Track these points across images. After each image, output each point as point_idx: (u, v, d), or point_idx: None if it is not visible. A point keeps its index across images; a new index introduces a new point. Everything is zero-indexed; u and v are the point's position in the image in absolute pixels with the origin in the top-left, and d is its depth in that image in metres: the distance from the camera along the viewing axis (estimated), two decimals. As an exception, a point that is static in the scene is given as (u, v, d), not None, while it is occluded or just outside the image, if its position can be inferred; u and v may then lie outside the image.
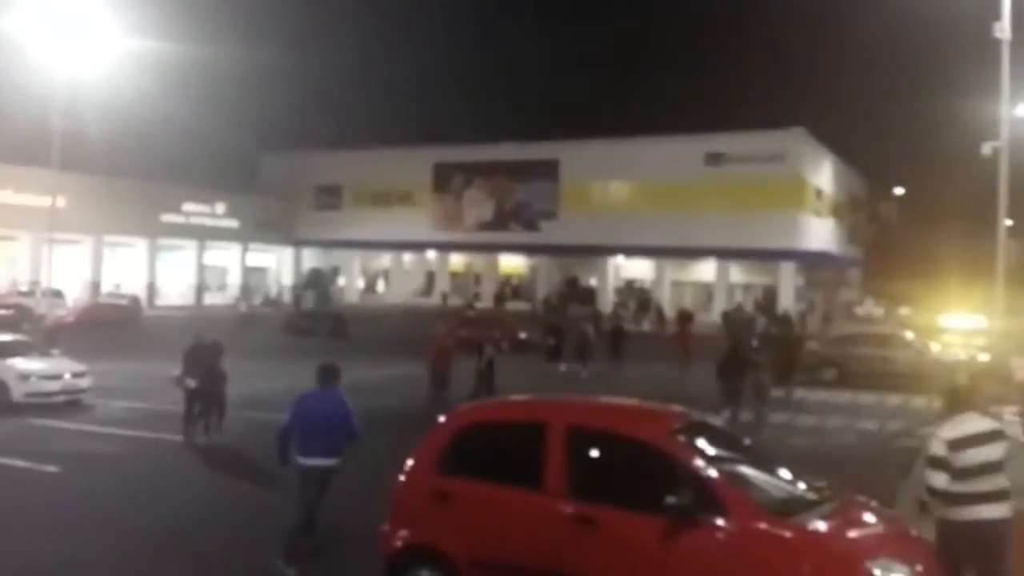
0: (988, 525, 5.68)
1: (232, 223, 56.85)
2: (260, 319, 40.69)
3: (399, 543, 6.70)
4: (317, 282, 57.00)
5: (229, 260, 57.80)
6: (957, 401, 6.03)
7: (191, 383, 13.55)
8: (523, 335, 32.61)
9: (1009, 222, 25.22)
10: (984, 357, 20.93)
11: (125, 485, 11.11)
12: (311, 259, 62.66)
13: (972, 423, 5.83)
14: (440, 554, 6.46)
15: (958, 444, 5.76)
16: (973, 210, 34.35)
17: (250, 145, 60.29)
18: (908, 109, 75.86)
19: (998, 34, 20.52)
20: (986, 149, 26.81)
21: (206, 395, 13.61)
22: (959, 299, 44.32)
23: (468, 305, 44.23)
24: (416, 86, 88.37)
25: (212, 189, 55.57)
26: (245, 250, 57.98)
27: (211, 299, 53.28)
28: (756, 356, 15.94)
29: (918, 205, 61.87)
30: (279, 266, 61.92)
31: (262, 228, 57.92)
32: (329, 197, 62.23)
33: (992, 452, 5.76)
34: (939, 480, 5.75)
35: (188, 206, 54.43)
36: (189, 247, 54.32)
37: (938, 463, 5.79)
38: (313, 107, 79.71)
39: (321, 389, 8.17)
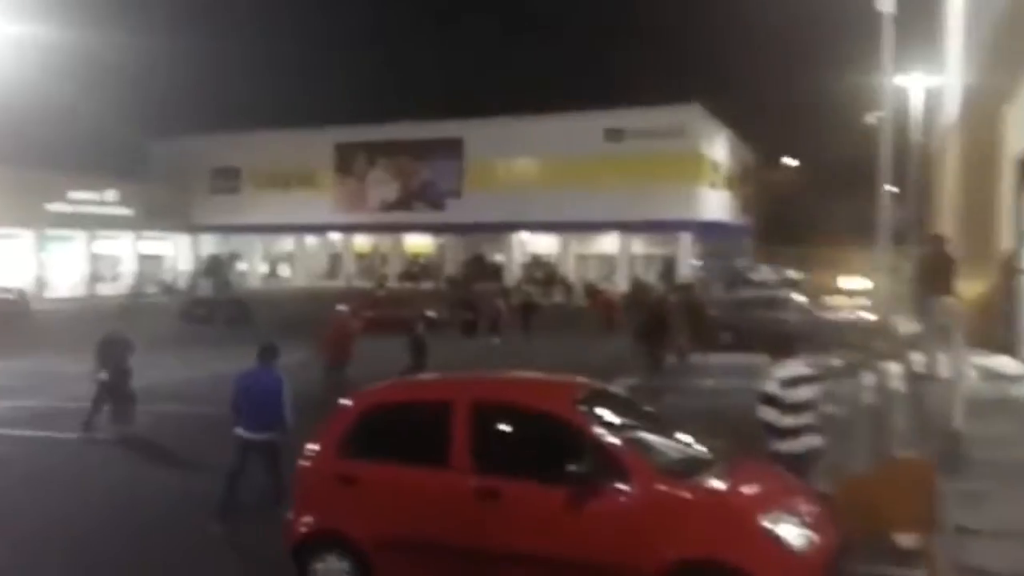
0: (812, 453, 6.72)
1: (123, 211, 54.63)
2: (156, 308, 39.32)
3: (303, 529, 6.62)
4: (215, 268, 55.38)
5: (122, 249, 55.58)
6: (782, 349, 6.92)
7: (103, 376, 13.29)
8: (432, 314, 32.53)
9: (893, 188, 26.51)
10: (870, 316, 22.06)
11: (16, 486, 10.61)
12: (210, 245, 60.81)
13: (798, 367, 6.80)
14: (346, 539, 6.42)
15: (788, 383, 6.66)
16: (858, 178, 35.91)
17: (139, 130, 57.98)
18: (798, 82, 78.59)
19: (881, 7, 21.44)
20: (870, 119, 28.02)
21: (114, 388, 13.39)
22: (846, 263, 46.47)
23: (379, 285, 43.80)
24: (316, 67, 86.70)
25: (100, 176, 53.21)
26: (138, 238, 55.83)
27: (105, 290, 51.14)
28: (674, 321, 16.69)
29: (807, 175, 64.30)
30: (176, 253, 59.89)
31: (155, 215, 55.82)
32: (226, 180, 60.45)
33: (813, 392, 6.79)
34: (770, 415, 6.65)
35: (75, 194, 51.97)
36: (78, 237, 51.95)
37: (770, 400, 6.67)
38: (205, 90, 77.14)
39: (260, 367, 8.77)
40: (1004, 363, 11.33)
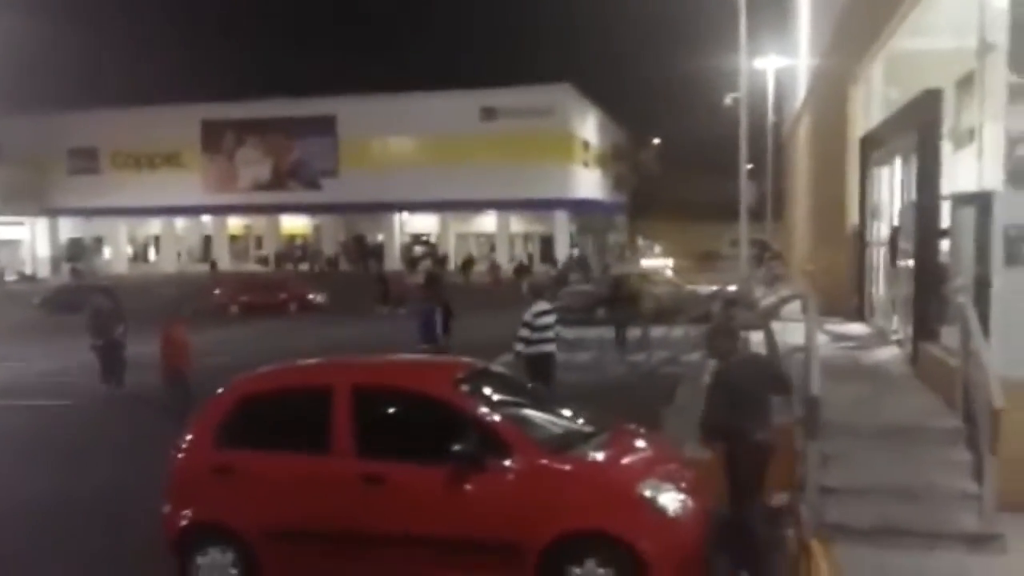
0: (548, 355, 10.26)
1: (-27, 194, 50.63)
2: (16, 296, 36.76)
3: (183, 522, 6.33)
4: (78, 253, 52.19)
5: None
6: (536, 295, 10.66)
7: None
8: (313, 296, 31.79)
9: (749, 165, 27.62)
10: (732, 287, 22.97)
11: None
12: (70, 229, 57.22)
13: (543, 305, 10.42)
14: (229, 531, 6.18)
15: (537, 315, 10.20)
16: (721, 156, 37.31)
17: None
18: (665, 64, 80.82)
19: (735, -9, 22.16)
20: (728, 100, 29.05)
21: None
22: (711, 237, 48.39)
23: (212, 266, 42.93)
24: (181, 41, 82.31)
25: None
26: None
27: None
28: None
29: (673, 153, 66.34)
30: (33, 238, 56.02)
31: (9, 198, 51.89)
32: (84, 161, 56.87)
33: (553, 318, 10.41)
34: (525, 332, 10.10)
35: (-84, 177, 47.77)
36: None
37: (527, 325, 10.11)
38: (61, 65, 72.05)
39: None
40: (855, 329, 11.98)
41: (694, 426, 8.14)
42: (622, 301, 20.14)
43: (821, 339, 8.73)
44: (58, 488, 9.42)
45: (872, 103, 12.67)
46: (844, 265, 13.50)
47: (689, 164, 63.04)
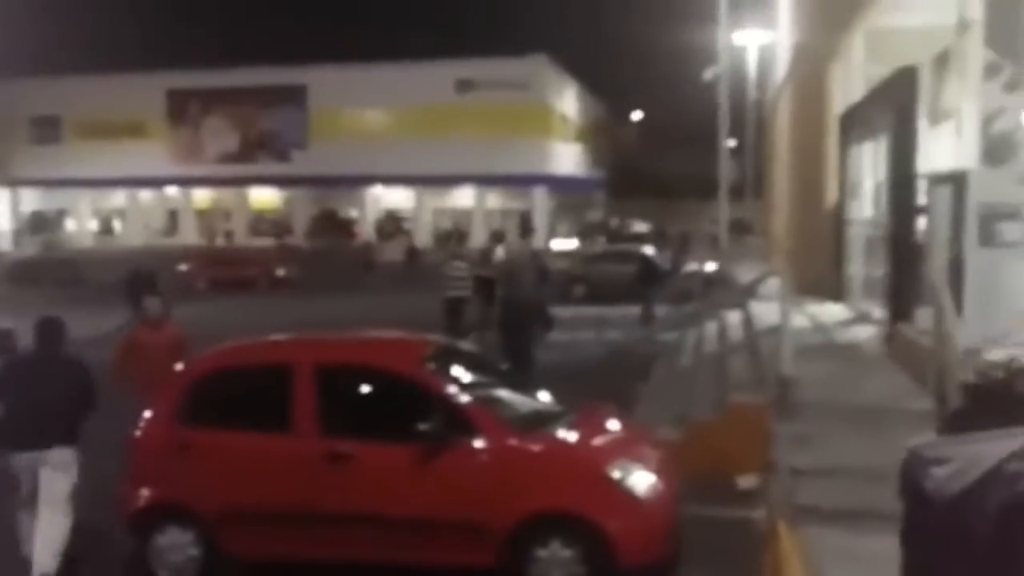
0: (459, 300, 14.08)
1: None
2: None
3: (141, 502, 6.28)
4: (40, 226, 51.38)
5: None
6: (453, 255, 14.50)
7: None
8: (281, 272, 31.57)
9: (731, 143, 27.68)
10: (713, 265, 23.11)
11: None
12: (32, 201, 56.26)
13: (460, 264, 14.80)
14: (188, 510, 6.15)
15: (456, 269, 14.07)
16: (701, 132, 37.29)
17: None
18: (644, 37, 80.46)
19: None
20: (707, 74, 29.02)
21: None
22: (692, 215, 48.50)
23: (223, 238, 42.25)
24: (144, 6, 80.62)
25: None
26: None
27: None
28: None
29: (654, 129, 66.30)
30: (-8, 210, 55.06)
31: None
32: (46, 130, 55.80)
33: (464, 271, 15.29)
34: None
35: None
36: None
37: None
38: (20, 30, 70.31)
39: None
40: (832, 310, 12.10)
41: (668, 406, 8.21)
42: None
43: (796, 319, 8.79)
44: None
45: (852, 80, 12.73)
46: (823, 243, 13.60)
47: (671, 140, 63.03)
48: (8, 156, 54.19)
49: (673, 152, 62.09)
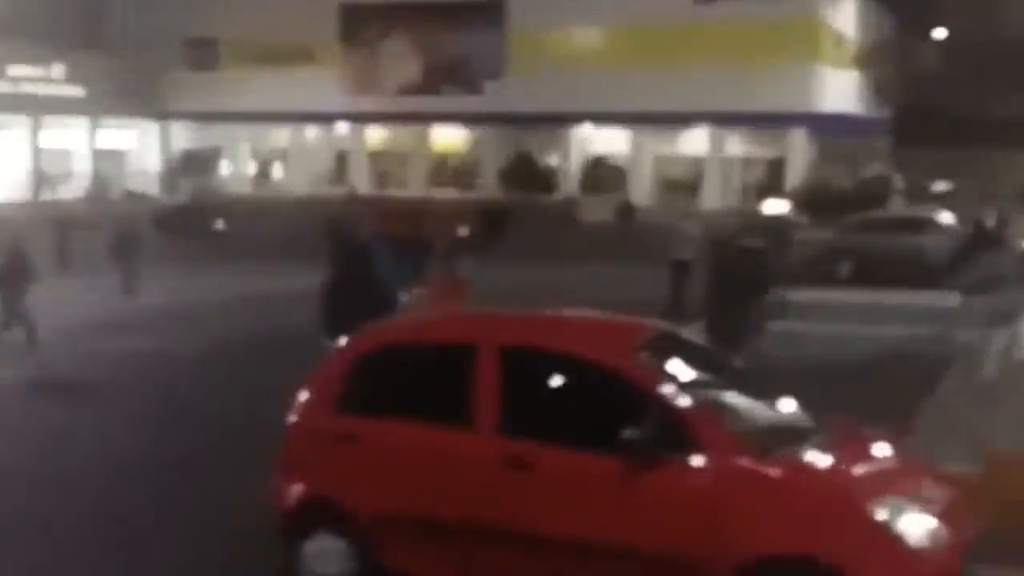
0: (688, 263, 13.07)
1: (75, 90, 54.88)
2: (121, 218, 40.14)
3: (293, 499, 6.78)
4: (194, 167, 55.80)
5: (74, 141, 56.10)
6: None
7: None
8: (463, 231, 32.64)
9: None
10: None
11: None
12: (183, 138, 61.21)
13: None
14: (341, 510, 6.56)
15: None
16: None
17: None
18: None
19: None
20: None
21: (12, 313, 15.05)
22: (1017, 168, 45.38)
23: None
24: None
25: (44, 46, 53.25)
26: (95, 127, 56.24)
27: (53, 193, 51.92)
28: None
29: (963, 50, 62.28)
30: (142, 148, 60.37)
31: (116, 96, 55.90)
32: (201, 53, 60.23)
33: None
34: None
35: (16, 69, 52.31)
36: (19, 124, 52.44)
37: None
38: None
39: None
40: None
41: (961, 429, 7.82)
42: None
43: None
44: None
45: None
46: None
47: (987, 68, 59.08)
48: (161, 84, 58.84)
49: (990, 85, 58.06)
